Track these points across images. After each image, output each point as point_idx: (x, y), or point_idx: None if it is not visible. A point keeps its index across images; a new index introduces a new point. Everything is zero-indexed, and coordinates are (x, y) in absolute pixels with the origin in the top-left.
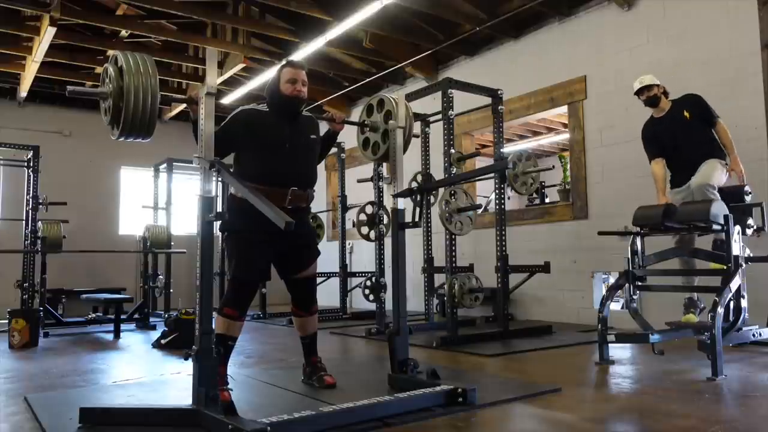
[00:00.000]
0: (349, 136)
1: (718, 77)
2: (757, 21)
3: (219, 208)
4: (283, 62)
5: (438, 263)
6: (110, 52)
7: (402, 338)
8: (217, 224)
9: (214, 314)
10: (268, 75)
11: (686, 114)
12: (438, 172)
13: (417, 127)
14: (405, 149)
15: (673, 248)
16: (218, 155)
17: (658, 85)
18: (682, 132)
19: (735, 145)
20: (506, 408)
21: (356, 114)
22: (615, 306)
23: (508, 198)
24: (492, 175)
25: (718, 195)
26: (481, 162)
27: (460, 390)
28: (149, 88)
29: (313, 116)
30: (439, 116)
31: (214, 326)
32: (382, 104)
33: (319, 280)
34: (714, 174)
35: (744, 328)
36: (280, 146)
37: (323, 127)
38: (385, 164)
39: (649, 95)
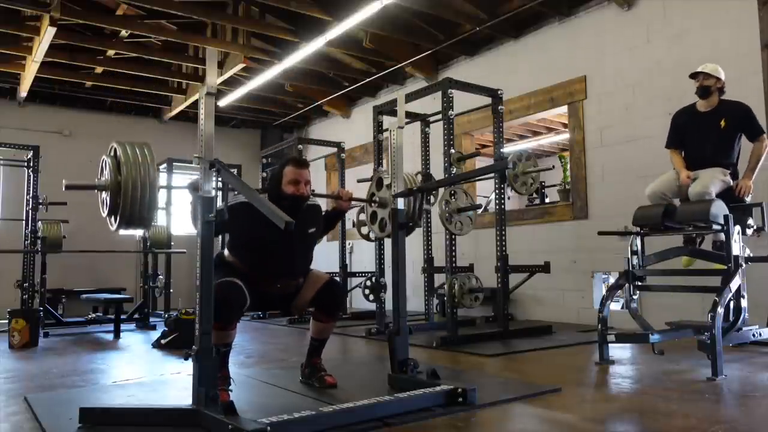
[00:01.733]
0: (349, 136)
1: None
2: (757, 21)
3: (219, 205)
4: (287, 160)
5: (438, 263)
6: (110, 52)
7: (402, 338)
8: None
9: None
10: (268, 75)
11: (722, 122)
12: (438, 172)
13: (417, 128)
14: (412, 229)
15: (673, 248)
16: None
17: (718, 79)
18: (705, 134)
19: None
20: (506, 408)
21: (356, 114)
22: (615, 306)
23: (508, 198)
24: (492, 175)
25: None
26: (481, 162)
27: (460, 390)
28: (147, 180)
29: (316, 204)
30: (439, 116)
31: None
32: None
33: None
34: (713, 183)
35: (744, 328)
36: (276, 244)
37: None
38: (385, 164)
39: (702, 83)
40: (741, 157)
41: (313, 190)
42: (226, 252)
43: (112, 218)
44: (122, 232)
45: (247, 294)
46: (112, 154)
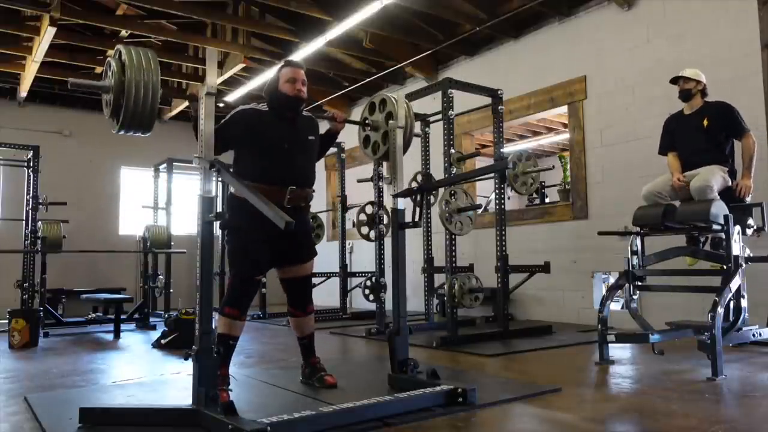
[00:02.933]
0: (349, 137)
1: (718, 77)
2: (757, 21)
3: (219, 208)
4: (282, 63)
5: (438, 263)
6: (110, 52)
7: (402, 338)
8: (217, 223)
9: (215, 314)
10: (268, 75)
11: (705, 122)
12: (438, 172)
13: (417, 127)
14: (405, 149)
15: (673, 248)
16: (216, 153)
17: (698, 81)
18: (694, 136)
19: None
20: (506, 408)
21: (357, 114)
22: (615, 306)
23: (508, 198)
24: (492, 175)
25: (717, 197)
26: (481, 162)
27: (460, 390)
28: (150, 83)
29: (312, 116)
30: (439, 116)
31: (215, 326)
32: (384, 104)
33: (319, 280)
34: (714, 177)
35: (744, 328)
36: (279, 146)
37: (323, 125)
38: (385, 164)
39: (683, 87)
40: (736, 155)
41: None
42: (232, 189)
43: (114, 120)
44: (123, 132)
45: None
46: (117, 56)
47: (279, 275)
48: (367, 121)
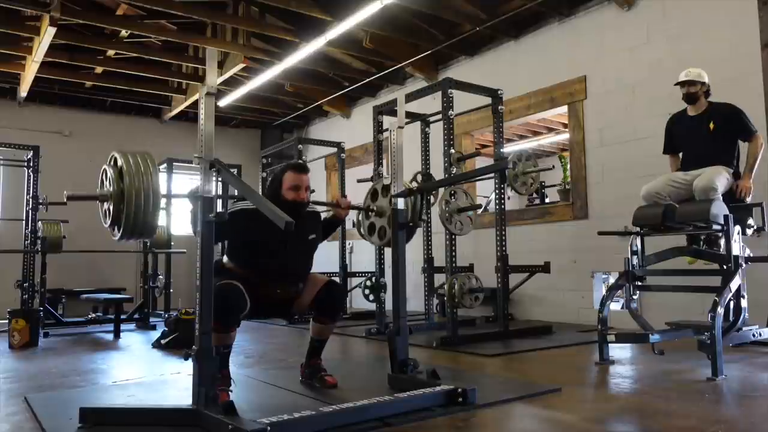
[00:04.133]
0: (349, 136)
1: (718, 77)
2: (757, 21)
3: (219, 208)
4: (286, 164)
5: (438, 263)
6: (110, 52)
7: (402, 338)
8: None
9: None
10: (269, 75)
11: (711, 125)
12: (438, 172)
13: (417, 128)
14: (410, 236)
15: (673, 248)
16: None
17: (703, 83)
18: (699, 139)
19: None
20: (506, 408)
21: (356, 114)
22: (615, 306)
23: (508, 198)
24: (492, 175)
25: (720, 197)
26: (481, 162)
27: (460, 390)
28: (150, 188)
29: (315, 211)
30: (439, 116)
31: None
32: (387, 189)
33: None
34: (719, 178)
35: (744, 328)
36: (278, 249)
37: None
38: (385, 164)
39: (688, 91)
40: (740, 156)
41: (313, 190)
42: (225, 259)
43: (115, 228)
44: (124, 240)
45: (246, 298)
46: (112, 163)
47: (301, 312)
48: (370, 208)
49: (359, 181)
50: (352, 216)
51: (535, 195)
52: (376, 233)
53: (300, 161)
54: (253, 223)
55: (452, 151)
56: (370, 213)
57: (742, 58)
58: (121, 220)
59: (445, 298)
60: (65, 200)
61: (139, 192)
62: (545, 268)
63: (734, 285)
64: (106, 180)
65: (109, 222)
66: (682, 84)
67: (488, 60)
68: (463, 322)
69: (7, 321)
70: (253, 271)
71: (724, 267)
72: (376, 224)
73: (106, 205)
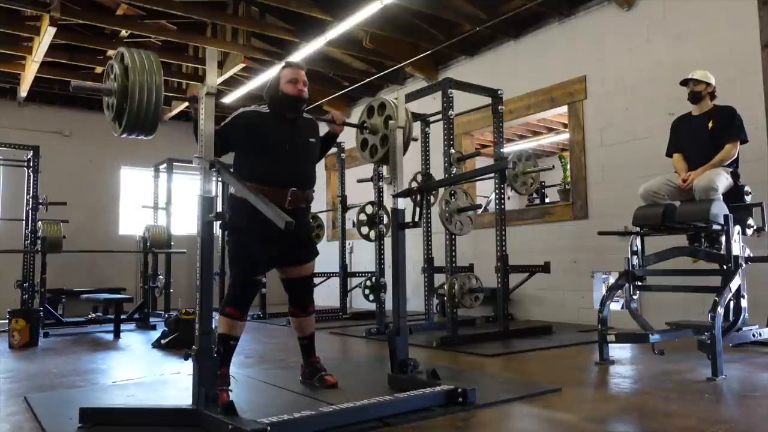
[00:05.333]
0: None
1: (718, 77)
2: (757, 21)
3: (219, 208)
4: (283, 63)
5: (438, 263)
6: (111, 52)
7: (402, 338)
8: (217, 223)
9: (216, 314)
10: (268, 75)
11: (710, 124)
12: (438, 172)
13: (417, 128)
14: (404, 151)
15: (673, 248)
16: (216, 154)
17: (708, 84)
18: (700, 137)
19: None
20: (506, 408)
21: (356, 114)
22: (615, 306)
23: (508, 198)
24: (492, 175)
25: (720, 197)
26: (481, 162)
27: (460, 390)
28: (154, 86)
29: (312, 118)
30: (439, 116)
31: (216, 326)
32: (383, 108)
33: (319, 280)
34: (719, 178)
35: (744, 328)
36: (280, 148)
37: (323, 128)
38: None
39: (692, 89)
40: (740, 158)
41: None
42: (232, 190)
43: (117, 123)
44: (125, 135)
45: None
46: (119, 59)
47: (280, 275)
48: (365, 125)
49: (359, 181)
50: (352, 216)
51: (535, 195)
52: (368, 149)
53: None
54: (256, 124)
55: (452, 151)
56: (364, 130)
57: (742, 58)
58: (124, 114)
59: (445, 298)
60: (71, 89)
61: (143, 88)
62: (545, 268)
63: (734, 285)
64: (112, 74)
65: (112, 116)
66: (687, 82)
67: (488, 60)
68: (463, 322)
69: (7, 321)
70: (263, 177)
71: (724, 267)
72: (369, 141)
73: (109, 99)
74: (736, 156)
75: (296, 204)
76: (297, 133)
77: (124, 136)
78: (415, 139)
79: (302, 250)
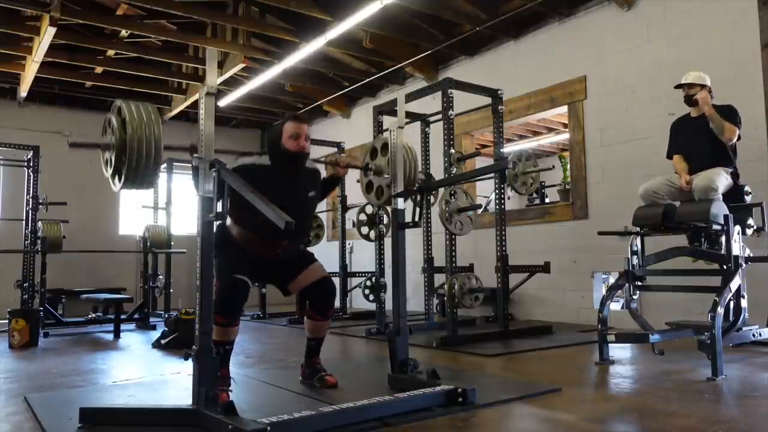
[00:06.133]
0: (349, 136)
1: (718, 77)
2: (757, 21)
3: (219, 208)
4: (285, 116)
5: (438, 263)
6: (110, 52)
7: (402, 338)
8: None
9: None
10: (269, 75)
11: (710, 123)
12: (438, 172)
13: (417, 128)
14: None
15: (673, 248)
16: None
17: (703, 86)
18: (699, 137)
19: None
20: (506, 408)
21: (356, 114)
22: (615, 306)
23: (508, 198)
24: (492, 175)
25: (720, 197)
26: (481, 162)
27: (460, 390)
28: (153, 139)
29: (315, 168)
30: (439, 116)
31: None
32: (386, 148)
33: None
34: (718, 178)
35: (744, 328)
36: (278, 204)
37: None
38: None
39: (687, 93)
40: (739, 157)
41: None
42: (229, 221)
43: (116, 178)
44: (125, 191)
45: (249, 285)
46: (116, 112)
47: (294, 293)
48: (369, 166)
49: (359, 181)
50: (352, 216)
51: (535, 195)
52: (373, 192)
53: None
54: (255, 179)
55: (452, 151)
56: (368, 171)
57: (742, 58)
58: (123, 170)
59: (445, 298)
60: (68, 146)
61: (141, 142)
62: (545, 268)
63: (734, 285)
64: (109, 128)
65: (110, 172)
66: (682, 86)
67: (488, 60)
68: (463, 322)
69: (7, 321)
70: (256, 228)
71: (724, 267)
72: (374, 183)
73: (107, 154)
74: (734, 142)
75: (287, 256)
76: (296, 188)
77: (125, 190)
78: (421, 179)
79: (298, 261)
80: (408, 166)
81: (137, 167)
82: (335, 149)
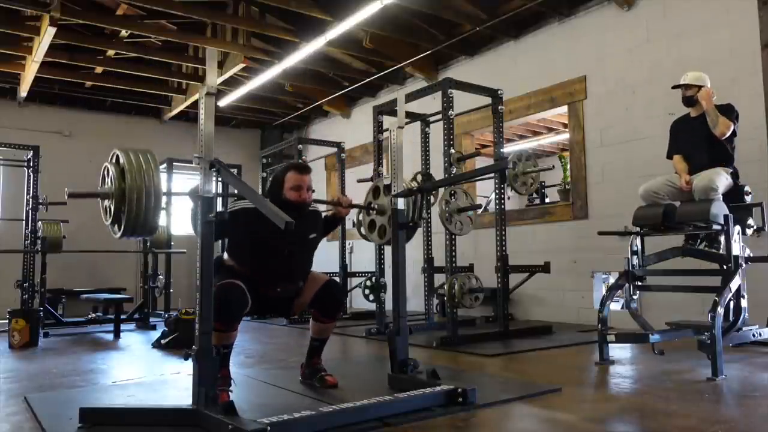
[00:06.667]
0: (349, 136)
1: (718, 77)
2: (757, 21)
3: (219, 208)
4: (288, 164)
5: (438, 263)
6: (110, 52)
7: (402, 338)
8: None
9: None
10: (269, 75)
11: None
12: (438, 172)
13: (417, 128)
14: (410, 236)
15: (673, 248)
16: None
17: (700, 87)
18: (699, 138)
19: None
20: (506, 408)
21: (356, 113)
22: (615, 306)
23: (508, 198)
24: (492, 175)
25: (720, 197)
26: (481, 162)
27: (459, 390)
28: (152, 188)
29: (316, 210)
30: (439, 116)
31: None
32: (389, 188)
33: None
34: (718, 178)
35: (744, 328)
36: (279, 251)
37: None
38: (385, 164)
39: (685, 94)
40: (739, 157)
41: (313, 190)
42: (225, 256)
43: (116, 226)
44: (125, 238)
45: (248, 296)
46: (114, 161)
47: (301, 309)
48: (372, 206)
49: (359, 181)
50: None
51: (535, 195)
52: (376, 231)
53: (301, 161)
54: (254, 222)
55: (452, 151)
56: (371, 211)
57: (742, 58)
58: (122, 218)
59: (445, 298)
60: (66, 198)
61: (140, 191)
62: (545, 268)
63: (734, 285)
64: (108, 177)
65: (110, 220)
66: (680, 87)
67: (488, 60)
68: (463, 322)
69: (7, 321)
70: (253, 270)
71: (724, 267)
72: (377, 222)
73: (107, 203)
74: (729, 135)
75: (286, 294)
76: (298, 233)
77: (124, 238)
78: (424, 219)
79: (292, 276)
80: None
81: (137, 216)
82: (335, 149)
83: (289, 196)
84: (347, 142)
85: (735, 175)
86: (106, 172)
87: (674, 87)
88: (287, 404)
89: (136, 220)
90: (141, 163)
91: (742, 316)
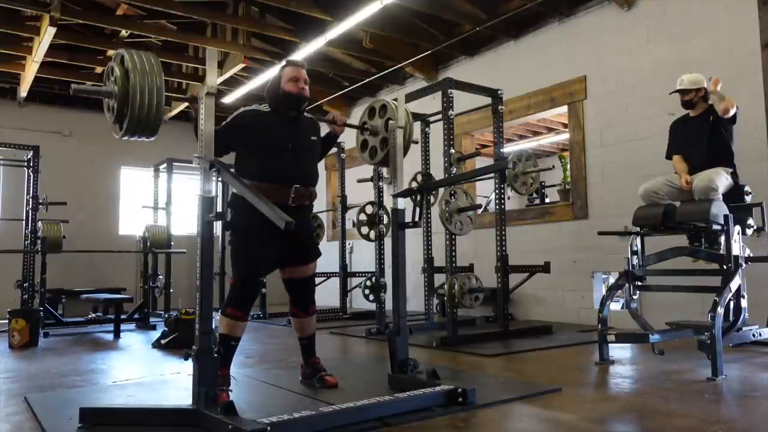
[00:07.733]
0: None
1: (718, 77)
2: (757, 21)
3: (219, 208)
4: (284, 62)
5: (438, 263)
6: (110, 52)
7: (402, 338)
8: (218, 224)
9: (217, 314)
10: (268, 75)
11: (712, 118)
12: (438, 172)
13: (417, 128)
14: (405, 153)
15: (673, 248)
16: (217, 154)
17: (697, 90)
18: (698, 138)
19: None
20: (506, 408)
21: (356, 114)
22: (615, 306)
23: (508, 198)
24: (492, 175)
25: (720, 197)
26: (481, 162)
27: (459, 390)
28: (155, 88)
29: (314, 117)
30: (439, 116)
31: (217, 326)
32: (384, 109)
33: (319, 280)
34: (718, 178)
35: (744, 328)
36: (283, 146)
37: (324, 128)
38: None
39: (683, 99)
40: (739, 157)
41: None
42: (235, 189)
43: (118, 126)
44: (126, 138)
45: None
46: (119, 61)
47: (282, 275)
48: (366, 126)
49: (359, 181)
50: (352, 216)
51: (535, 195)
52: (368, 151)
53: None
54: (257, 124)
55: (452, 151)
56: (364, 131)
57: (742, 58)
58: (125, 117)
59: (445, 298)
60: (71, 92)
61: (143, 91)
62: (545, 268)
63: (734, 285)
64: (112, 76)
65: (112, 119)
66: (677, 92)
67: (488, 60)
68: (463, 322)
69: (7, 321)
70: (266, 175)
71: (724, 267)
72: (369, 142)
73: (110, 102)
74: (732, 116)
75: (300, 201)
76: (298, 131)
77: (126, 138)
78: (416, 142)
79: (304, 251)
80: (407, 130)
81: (139, 116)
82: (335, 149)
83: (287, 88)
84: (347, 142)
85: (735, 175)
86: (110, 71)
87: (672, 93)
88: (287, 404)
89: (138, 120)
90: (144, 63)
91: (742, 316)
